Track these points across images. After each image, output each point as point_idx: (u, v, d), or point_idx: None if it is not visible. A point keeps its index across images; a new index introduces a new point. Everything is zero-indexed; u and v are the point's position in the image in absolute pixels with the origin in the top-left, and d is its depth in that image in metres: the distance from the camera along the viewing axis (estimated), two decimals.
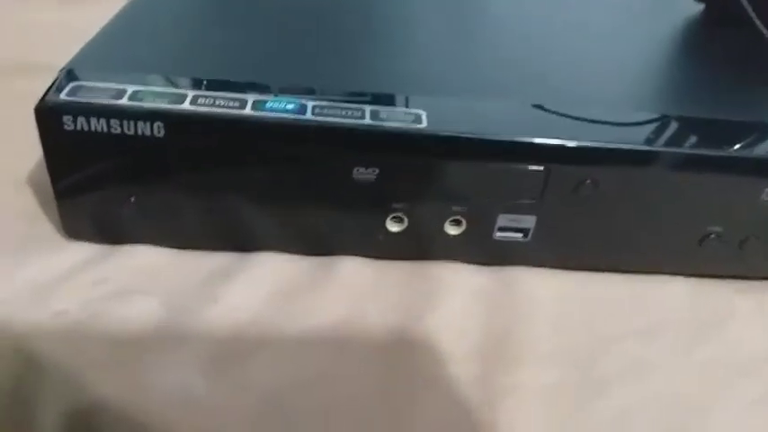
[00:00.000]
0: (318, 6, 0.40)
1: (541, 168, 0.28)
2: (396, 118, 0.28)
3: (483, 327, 0.29)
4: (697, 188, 0.29)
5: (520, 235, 0.31)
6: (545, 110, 0.30)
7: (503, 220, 0.30)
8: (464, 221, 0.30)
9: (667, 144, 0.29)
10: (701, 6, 0.47)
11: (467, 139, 0.27)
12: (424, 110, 0.28)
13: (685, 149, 0.29)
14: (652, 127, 0.30)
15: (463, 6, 0.44)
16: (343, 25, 0.38)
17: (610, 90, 0.33)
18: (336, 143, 0.27)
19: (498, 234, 0.30)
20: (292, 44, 0.34)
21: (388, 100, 0.29)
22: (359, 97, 0.29)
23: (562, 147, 0.28)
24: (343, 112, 0.27)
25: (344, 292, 0.30)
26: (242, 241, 0.31)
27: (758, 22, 0.36)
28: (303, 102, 0.28)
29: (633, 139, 0.29)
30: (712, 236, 0.30)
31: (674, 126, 0.30)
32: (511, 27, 0.41)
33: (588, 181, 0.28)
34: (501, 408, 0.25)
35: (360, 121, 0.27)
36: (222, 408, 0.24)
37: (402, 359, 0.27)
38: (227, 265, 0.30)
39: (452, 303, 0.30)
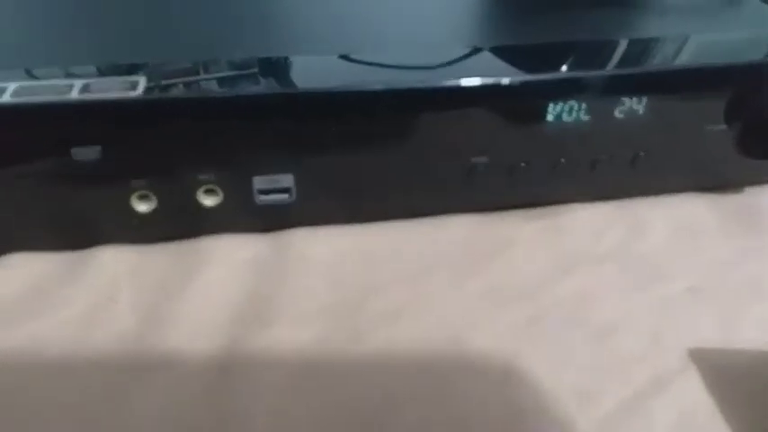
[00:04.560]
0: None
1: (244, 123, 0.27)
2: (109, 88, 0.26)
3: (246, 293, 0.27)
4: (462, 121, 0.29)
5: (285, 196, 0.29)
6: (349, 59, 0.28)
7: (259, 182, 0.29)
8: (218, 189, 0.28)
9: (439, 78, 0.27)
10: None
11: (181, 100, 0.26)
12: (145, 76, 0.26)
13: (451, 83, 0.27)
14: (429, 63, 0.29)
15: None
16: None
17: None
18: (37, 123, 0.25)
19: (261, 197, 0.29)
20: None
21: (112, 71, 0.27)
22: (80, 71, 0.27)
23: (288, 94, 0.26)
24: (49, 90, 0.25)
25: (99, 281, 0.28)
26: None
27: None
28: (4, 85, 0.26)
29: (389, 80, 0.27)
30: (479, 166, 0.30)
31: (459, 59, 0.29)
32: None
33: (336, 127, 0.27)
34: (246, 372, 0.24)
35: (61, 97, 0.25)
36: None
37: (149, 336, 0.25)
38: None
39: (216, 275, 0.28)
